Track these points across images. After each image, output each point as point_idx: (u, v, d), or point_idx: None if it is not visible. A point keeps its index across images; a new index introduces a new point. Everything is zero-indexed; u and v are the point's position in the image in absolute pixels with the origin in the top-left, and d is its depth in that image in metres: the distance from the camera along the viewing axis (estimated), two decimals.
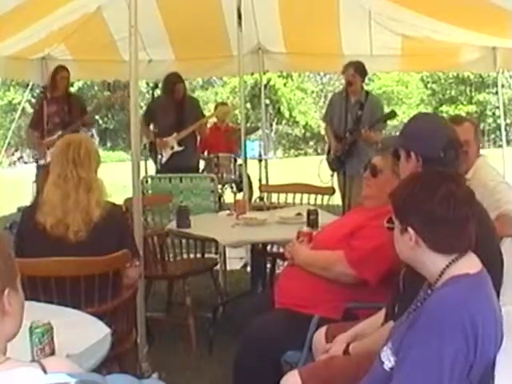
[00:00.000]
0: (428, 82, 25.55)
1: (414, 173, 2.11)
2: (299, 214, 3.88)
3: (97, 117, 18.96)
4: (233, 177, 7.04)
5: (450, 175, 1.76)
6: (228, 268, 5.06)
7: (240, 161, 6.59)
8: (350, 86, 5.46)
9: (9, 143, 12.03)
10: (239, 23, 5.37)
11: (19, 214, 3.59)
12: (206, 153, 7.41)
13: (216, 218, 4.45)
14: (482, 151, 3.25)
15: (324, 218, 3.66)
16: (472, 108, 24.36)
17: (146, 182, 5.32)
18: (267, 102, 19.33)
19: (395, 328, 1.80)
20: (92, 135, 21.49)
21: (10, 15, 4.82)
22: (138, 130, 3.79)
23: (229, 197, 7.08)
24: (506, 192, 3.03)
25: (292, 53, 7.11)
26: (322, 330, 2.47)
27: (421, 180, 1.78)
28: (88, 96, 21.11)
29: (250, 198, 6.60)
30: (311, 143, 26.09)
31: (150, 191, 5.26)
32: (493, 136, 23.43)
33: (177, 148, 6.03)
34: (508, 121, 17.34)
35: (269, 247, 4.38)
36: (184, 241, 4.32)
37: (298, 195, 4.90)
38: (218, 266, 4.63)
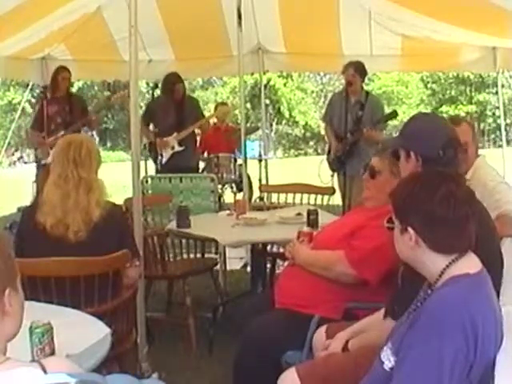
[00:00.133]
0: (428, 82, 25.59)
1: (413, 173, 2.11)
2: (299, 214, 3.87)
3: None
4: (233, 177, 7.04)
5: (450, 175, 1.76)
6: (228, 268, 5.05)
7: (240, 161, 6.59)
8: (350, 86, 5.46)
9: (9, 143, 12.04)
10: (239, 23, 5.37)
11: (19, 214, 3.59)
12: (206, 153, 7.43)
13: (216, 218, 4.45)
14: (481, 151, 3.25)
15: (324, 218, 3.66)
16: (472, 108, 24.40)
17: (146, 181, 5.32)
18: (267, 101, 19.35)
19: (395, 328, 1.80)
20: (92, 135, 21.47)
21: (9, 15, 4.82)
22: (138, 130, 3.78)
23: (229, 197, 7.08)
24: (505, 192, 3.03)
25: (292, 53, 7.10)
26: (322, 329, 2.48)
27: (421, 180, 1.78)
28: (88, 96, 21.11)
29: (250, 198, 6.60)
30: (311, 143, 26.13)
31: (149, 191, 5.26)
32: (493, 136, 23.47)
33: (177, 148, 6.03)
34: (508, 121, 17.37)
35: (269, 247, 4.38)
36: (184, 241, 4.32)
37: (298, 195, 4.90)
38: (218, 266, 4.63)
